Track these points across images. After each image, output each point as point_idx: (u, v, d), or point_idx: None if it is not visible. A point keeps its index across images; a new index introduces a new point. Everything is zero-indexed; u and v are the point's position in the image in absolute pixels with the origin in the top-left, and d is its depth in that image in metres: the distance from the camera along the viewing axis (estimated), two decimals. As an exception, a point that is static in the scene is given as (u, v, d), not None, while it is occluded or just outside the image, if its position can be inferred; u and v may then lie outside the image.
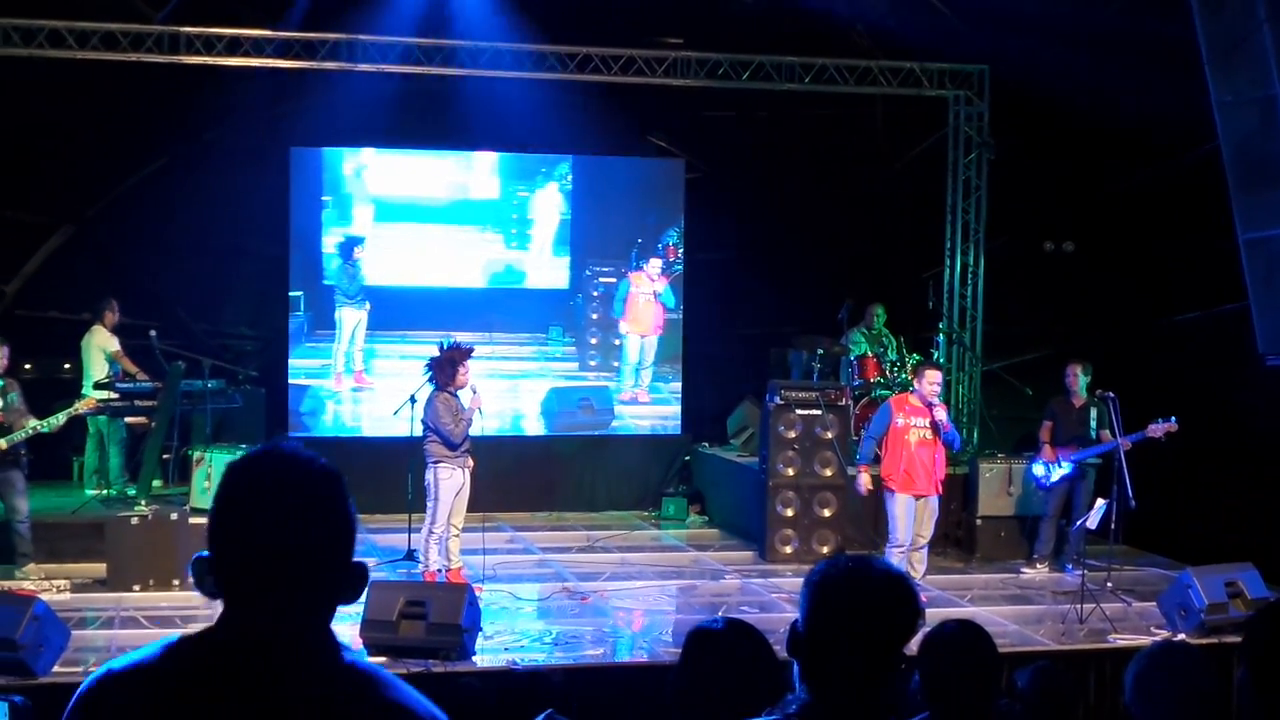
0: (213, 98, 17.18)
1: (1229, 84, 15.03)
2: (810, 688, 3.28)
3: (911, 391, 13.64)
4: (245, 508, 2.68)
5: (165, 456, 15.86)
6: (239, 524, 2.67)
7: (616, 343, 18.91)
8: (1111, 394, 13.58)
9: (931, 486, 13.17)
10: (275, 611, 2.65)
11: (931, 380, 13.29)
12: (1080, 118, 17.27)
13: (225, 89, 17.02)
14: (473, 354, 13.27)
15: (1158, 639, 10.99)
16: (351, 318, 17.95)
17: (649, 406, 19.00)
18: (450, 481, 12.94)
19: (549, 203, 18.71)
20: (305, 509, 2.68)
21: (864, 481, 13.69)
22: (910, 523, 13.15)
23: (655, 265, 18.73)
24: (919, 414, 13.16)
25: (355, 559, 2.76)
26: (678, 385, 18.95)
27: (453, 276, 18.45)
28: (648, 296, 18.75)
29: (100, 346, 15.79)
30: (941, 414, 13.15)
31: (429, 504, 13.07)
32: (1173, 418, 13.75)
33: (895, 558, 12.99)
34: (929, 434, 13.12)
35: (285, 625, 2.65)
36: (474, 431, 13.24)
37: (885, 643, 3.29)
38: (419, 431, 13.32)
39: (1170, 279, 17.00)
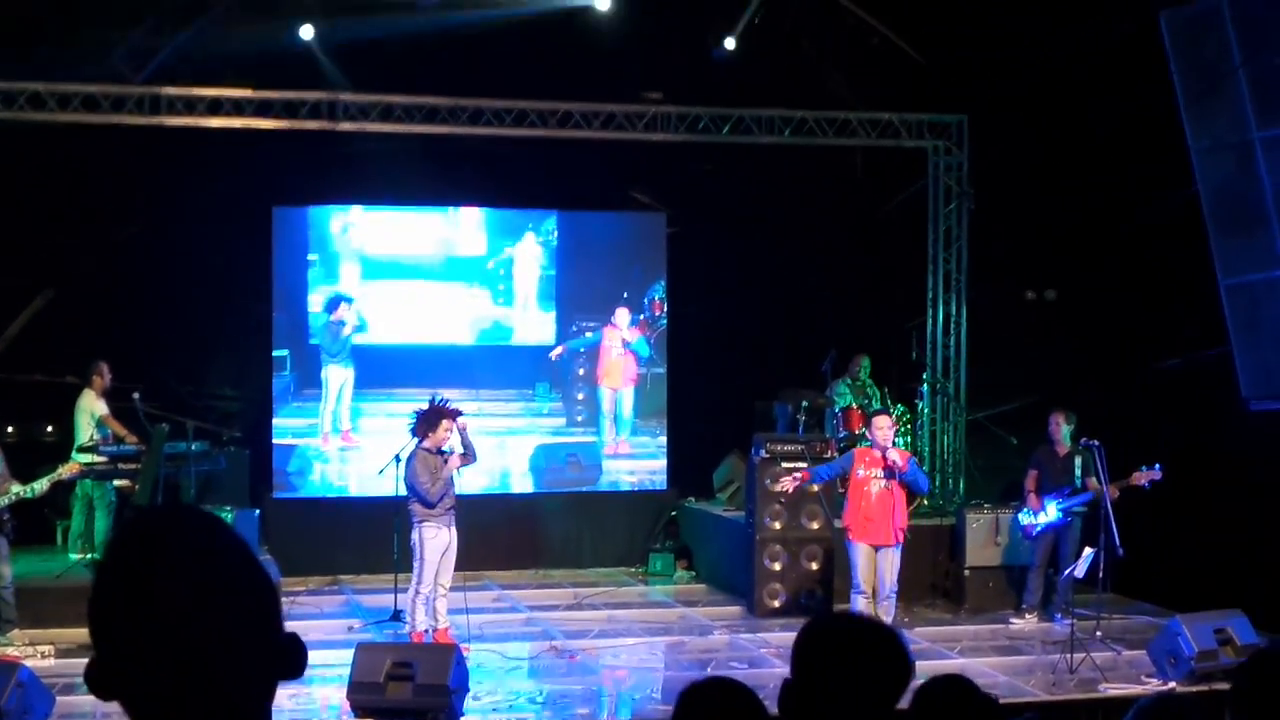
0: (195, 158, 17.17)
1: (1206, 129, 15.13)
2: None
3: (870, 443, 13.68)
4: (133, 585, 2.20)
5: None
6: (129, 606, 2.19)
7: (580, 396, 18.88)
8: (1096, 442, 13.59)
9: (891, 536, 13.21)
10: (194, 709, 2.20)
11: (880, 426, 13.44)
12: (1061, 165, 17.36)
13: (207, 149, 17.03)
14: (459, 415, 13.22)
15: (1151, 691, 11.00)
16: (338, 376, 17.92)
17: (635, 461, 18.97)
18: (435, 541, 12.90)
19: (535, 258, 18.73)
20: (210, 578, 2.23)
21: (785, 484, 14.06)
22: (870, 570, 13.23)
23: (624, 316, 18.71)
24: (877, 464, 13.26)
25: (285, 630, 2.31)
26: (664, 440, 18.93)
27: (440, 333, 18.45)
28: (619, 349, 18.75)
29: (88, 410, 15.74)
30: (894, 455, 13.20)
31: (415, 564, 13.03)
32: (1157, 465, 13.77)
33: (860, 603, 13.10)
34: (887, 484, 13.19)
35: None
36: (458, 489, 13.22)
37: (877, 698, 3.28)
38: (405, 491, 13.29)
39: (1154, 325, 17.03)
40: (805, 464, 15.39)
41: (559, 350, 18.70)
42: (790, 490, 14.24)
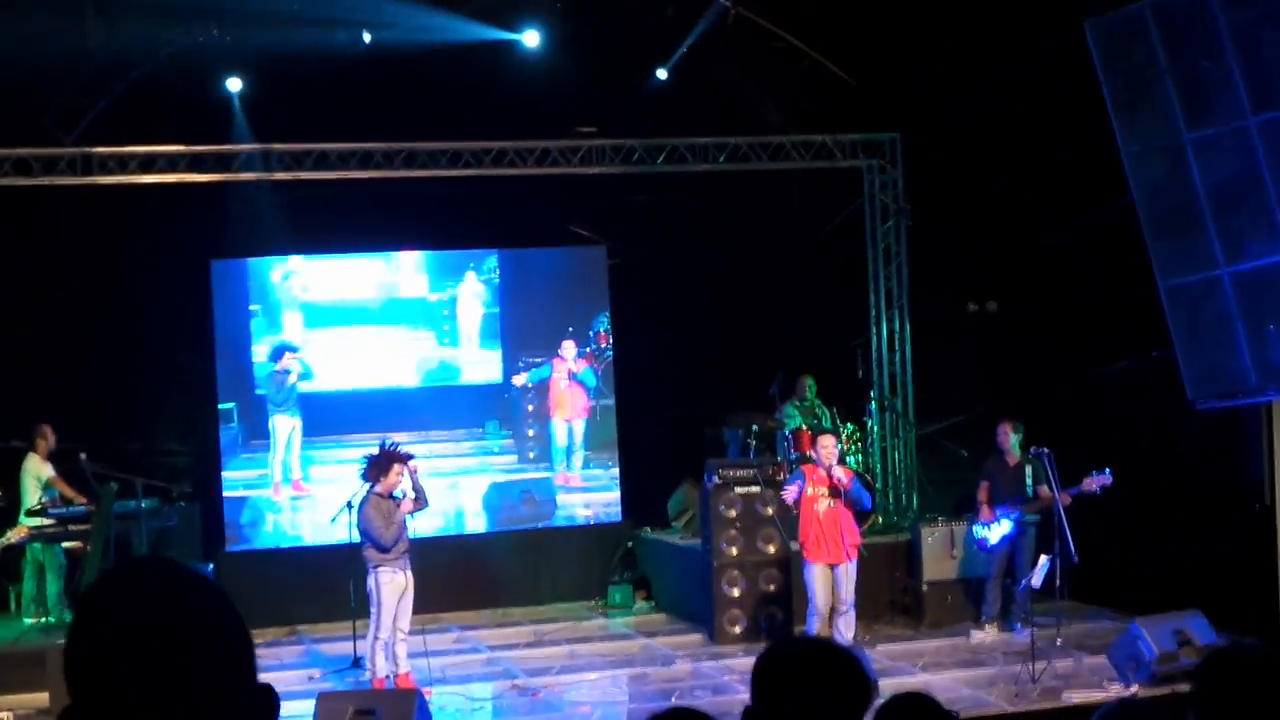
0: (130, 215, 17.09)
1: (1136, 133, 15.23)
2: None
3: (815, 462, 13.73)
4: (105, 639, 2.19)
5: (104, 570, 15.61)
6: (101, 660, 2.19)
7: (531, 433, 18.86)
8: (1046, 450, 13.65)
9: (843, 553, 13.29)
10: None
11: (824, 445, 13.57)
12: (996, 176, 17.48)
13: (142, 205, 16.95)
14: (410, 459, 13.17)
15: (1114, 697, 11.05)
16: (285, 425, 17.82)
17: (589, 494, 18.94)
18: (392, 585, 12.84)
19: (477, 297, 18.71)
20: (182, 627, 2.21)
21: (791, 491, 13.80)
22: (825, 589, 13.30)
23: (569, 348, 18.70)
24: (823, 483, 13.37)
25: (258, 681, 2.30)
26: (616, 471, 18.91)
27: (386, 377, 18.39)
28: (567, 380, 18.73)
29: (34, 473, 15.61)
30: (839, 473, 13.30)
31: (372, 610, 12.96)
32: (1107, 470, 13.83)
33: (815, 625, 13.18)
34: (833, 502, 13.29)
35: None
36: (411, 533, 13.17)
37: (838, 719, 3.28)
38: (358, 537, 13.23)
39: (1097, 330, 17.14)
40: (758, 488, 15.42)
41: (523, 376, 18.66)
42: (795, 497, 13.94)
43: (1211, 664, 4.00)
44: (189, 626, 2.22)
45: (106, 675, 2.18)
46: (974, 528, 15.11)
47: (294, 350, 17.82)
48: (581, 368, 18.75)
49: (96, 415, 17.20)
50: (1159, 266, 15.17)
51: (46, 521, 14.90)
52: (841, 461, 14.03)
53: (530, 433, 18.89)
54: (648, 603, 17.67)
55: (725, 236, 19.48)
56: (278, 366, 17.71)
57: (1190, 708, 3.94)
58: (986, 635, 14.82)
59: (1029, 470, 14.68)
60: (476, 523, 18.49)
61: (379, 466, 12.98)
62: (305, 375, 17.83)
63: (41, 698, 12.93)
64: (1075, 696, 12.07)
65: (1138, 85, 15.11)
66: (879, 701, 3.87)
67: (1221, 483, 15.10)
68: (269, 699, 2.30)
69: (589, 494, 18.97)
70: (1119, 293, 16.58)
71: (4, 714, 12.69)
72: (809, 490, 13.41)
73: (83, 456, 15.45)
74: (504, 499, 18.52)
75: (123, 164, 16.36)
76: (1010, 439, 14.89)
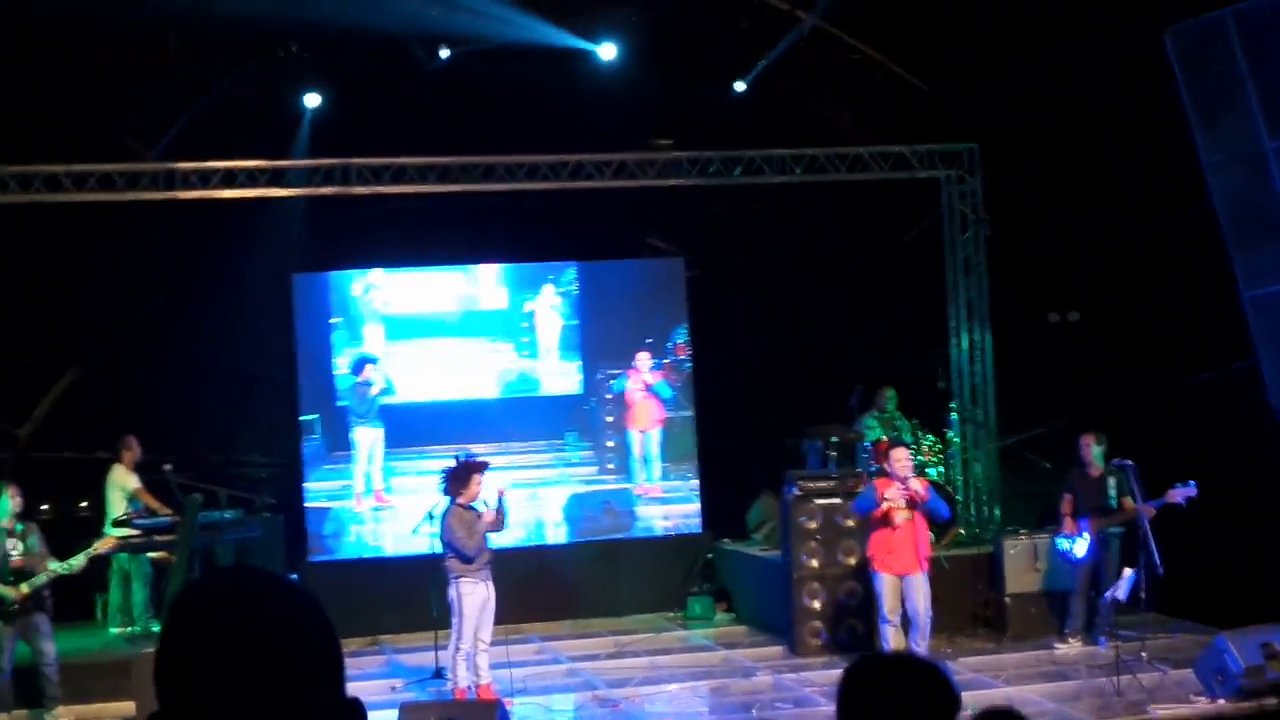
0: (212, 229, 17.29)
1: (1217, 142, 15.12)
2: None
3: (889, 474, 13.66)
4: (195, 645, 2.21)
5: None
6: (191, 667, 2.20)
7: (610, 444, 18.91)
8: (1129, 462, 13.55)
9: (916, 564, 13.23)
10: None
11: (897, 458, 13.47)
12: (1075, 185, 17.36)
13: (224, 220, 17.14)
14: (487, 468, 13.23)
15: (1199, 713, 10.95)
16: (367, 437, 17.96)
17: (669, 505, 18.94)
18: (473, 596, 12.88)
19: (556, 309, 18.78)
20: (271, 637, 2.22)
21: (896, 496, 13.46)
22: (894, 599, 13.25)
23: (644, 360, 18.73)
24: (898, 495, 13.27)
25: (346, 695, 2.30)
26: (696, 483, 18.91)
27: (467, 389, 18.49)
28: (642, 392, 18.76)
29: (119, 485, 15.80)
30: (916, 485, 13.25)
31: (454, 620, 13.00)
32: (1191, 483, 13.70)
33: (888, 633, 13.12)
34: (909, 514, 13.21)
35: None
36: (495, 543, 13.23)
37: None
38: (440, 548, 13.30)
39: (1180, 340, 16.99)
40: (838, 499, 15.40)
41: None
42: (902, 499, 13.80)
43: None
44: (279, 635, 2.23)
45: (196, 681, 2.19)
46: (1057, 540, 15.00)
47: (375, 362, 17.95)
48: (657, 379, 18.77)
49: (181, 427, 17.44)
50: (1242, 276, 15.05)
51: (132, 532, 15.07)
52: (920, 474, 13.96)
53: (609, 444, 18.94)
54: (728, 614, 17.66)
55: (803, 248, 19.47)
56: (359, 378, 17.84)
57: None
58: (1071, 648, 14.71)
59: (1112, 482, 14.57)
60: (556, 533, 18.55)
61: (458, 479, 13.04)
62: (387, 390, 17.95)
63: (127, 706, 13.09)
64: (1160, 710, 11.96)
65: (1219, 93, 15.00)
66: (964, 715, 3.87)
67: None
68: (356, 712, 2.30)
69: (668, 505, 18.98)
70: (1201, 302, 16.44)
71: (99, 710, 12.84)
72: (882, 503, 13.37)
73: (167, 468, 15.62)
74: (584, 510, 18.57)
75: (205, 179, 16.53)
76: (1093, 451, 14.78)
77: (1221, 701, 11.67)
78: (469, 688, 12.95)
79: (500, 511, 13.09)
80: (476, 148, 17.09)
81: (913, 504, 13.24)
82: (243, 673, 2.17)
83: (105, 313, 17.88)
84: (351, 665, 15.57)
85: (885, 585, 13.35)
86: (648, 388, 18.72)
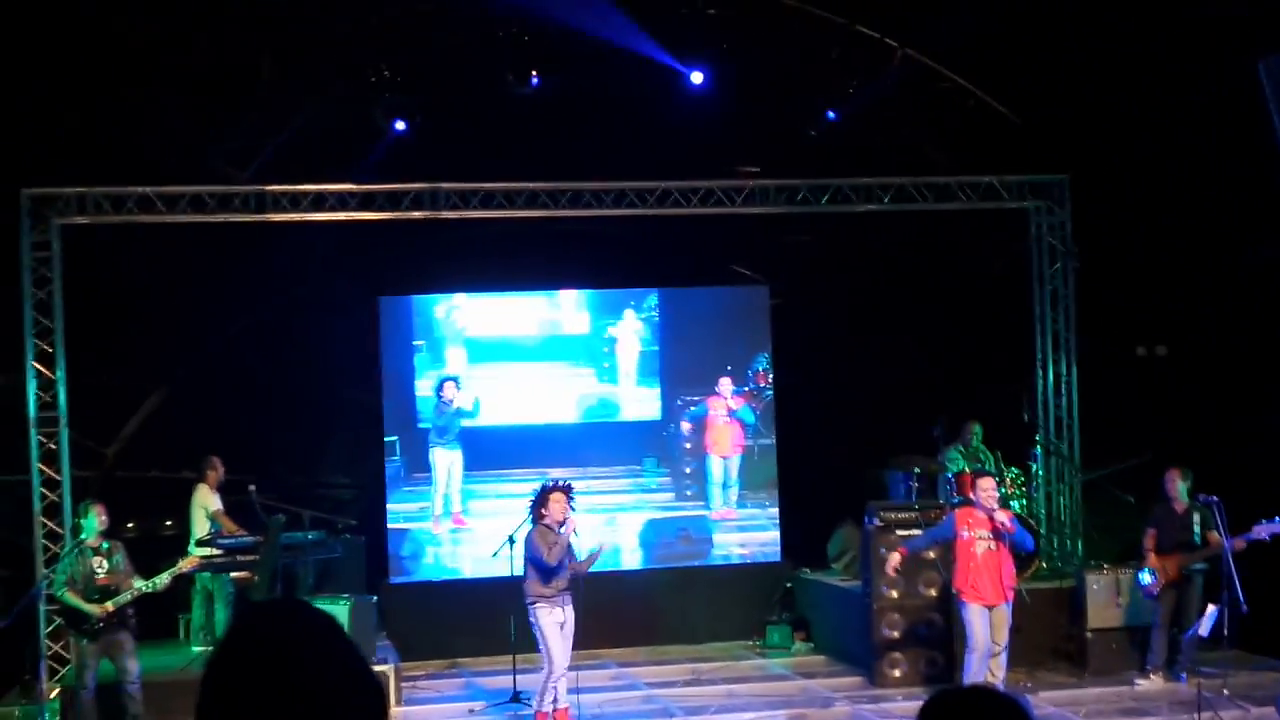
0: (300, 251, 17.46)
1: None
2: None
3: (974, 505, 13.59)
4: (244, 679, 2.23)
5: (272, 602, 15.88)
6: (238, 700, 2.23)
7: (688, 470, 18.88)
8: (1215, 498, 13.41)
9: (1000, 595, 13.17)
10: None
11: (984, 489, 13.45)
12: (1164, 217, 17.20)
13: (312, 242, 17.30)
14: (568, 490, 13.26)
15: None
16: (445, 459, 18.05)
17: (746, 534, 18.91)
18: (551, 618, 12.91)
19: (637, 335, 18.81)
20: (320, 677, 2.24)
21: (893, 561, 14.23)
22: (985, 629, 13.16)
23: (727, 385, 18.72)
24: (982, 525, 13.27)
25: None
26: (775, 511, 18.87)
27: (546, 413, 18.55)
28: (725, 417, 18.75)
29: (202, 505, 15.95)
30: (1002, 517, 13.23)
31: (541, 648, 13.03)
32: (1277, 518, 13.54)
33: (975, 663, 13.04)
34: (994, 544, 13.16)
35: None
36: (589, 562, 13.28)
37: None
38: (519, 571, 13.35)
39: (1268, 375, 16.76)
40: (920, 531, 15.32)
41: (687, 425, 18.76)
42: (897, 568, 14.29)
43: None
44: (321, 682, 2.23)
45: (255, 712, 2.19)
46: (1140, 575, 14.85)
47: (457, 382, 18.04)
48: (740, 405, 18.75)
49: (265, 447, 17.58)
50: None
51: (216, 551, 15.20)
52: (1004, 505, 13.88)
53: (687, 470, 18.93)
54: (806, 644, 17.60)
55: (889, 277, 19.40)
56: (441, 397, 17.94)
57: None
58: (1152, 684, 14.56)
59: (1197, 517, 14.42)
60: (633, 559, 18.56)
61: (540, 501, 13.13)
62: (472, 413, 18.04)
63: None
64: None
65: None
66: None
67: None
68: None
69: (746, 533, 18.95)
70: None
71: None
72: (964, 533, 13.31)
73: (251, 489, 15.76)
74: (660, 536, 18.58)
75: (295, 202, 16.67)
76: (1178, 486, 14.64)
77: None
78: (548, 713, 12.98)
79: (592, 555, 13.25)
80: (563, 173, 17.15)
81: (998, 535, 13.18)
82: (289, 710, 2.18)
83: (193, 333, 18.06)
84: (429, 687, 15.70)
85: (974, 615, 13.27)
86: (730, 412, 18.71)
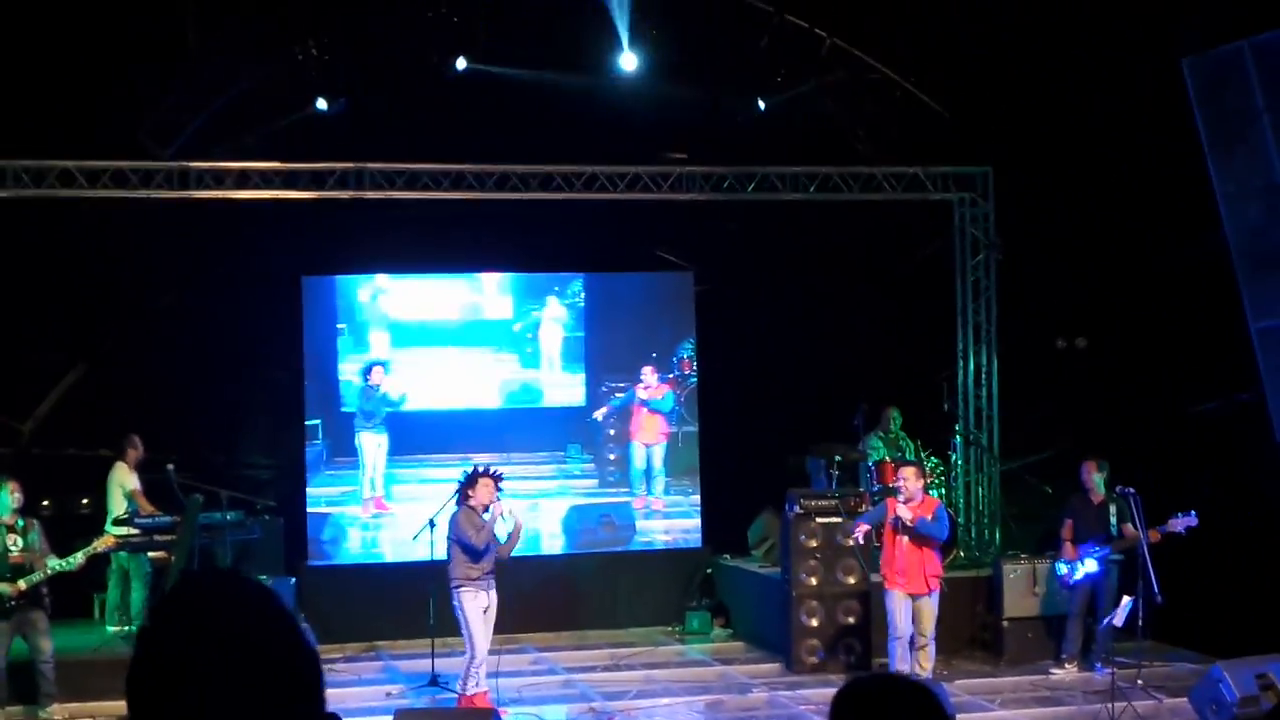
0: (224, 230, 17.30)
1: (1232, 173, 15.10)
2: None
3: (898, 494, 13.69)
4: (175, 652, 2.17)
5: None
6: (170, 674, 2.16)
7: (613, 457, 18.90)
8: (1131, 490, 13.54)
9: (923, 585, 13.20)
10: None
11: (905, 477, 13.55)
12: (1086, 212, 17.35)
13: (236, 221, 17.15)
14: (498, 478, 13.19)
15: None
16: (372, 442, 17.97)
17: (669, 520, 18.94)
18: (475, 603, 12.87)
19: (561, 321, 18.78)
20: (251, 650, 2.17)
21: (861, 529, 14.00)
22: (906, 617, 13.22)
23: (650, 374, 18.74)
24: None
25: (325, 710, 2.25)
26: (697, 498, 18.91)
27: (469, 398, 18.49)
28: (644, 407, 18.77)
29: (120, 483, 15.79)
30: (903, 513, 13.20)
31: (464, 631, 12.98)
32: (1193, 512, 13.70)
33: (897, 651, 13.12)
34: (901, 535, 13.23)
35: None
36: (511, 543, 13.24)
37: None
38: (440, 555, 13.31)
39: (1186, 370, 16.97)
40: (840, 518, 15.39)
41: (603, 410, 18.72)
42: (861, 540, 14.19)
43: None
44: (258, 649, 2.18)
45: (170, 694, 2.15)
46: (1056, 565, 14.99)
47: (385, 367, 17.96)
48: (662, 394, 18.76)
49: (184, 427, 17.43)
50: (1251, 307, 15.03)
51: (132, 531, 15.06)
52: (925, 493, 13.94)
53: (611, 457, 18.94)
54: (725, 630, 17.66)
55: (813, 266, 19.45)
56: (369, 382, 17.86)
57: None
58: (1066, 674, 14.70)
59: (1113, 509, 14.57)
60: (555, 544, 18.54)
61: (469, 483, 13.06)
62: (399, 402, 17.96)
63: (122, 706, 13.02)
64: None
65: (1234, 125, 14.99)
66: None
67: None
68: None
69: (669, 519, 18.97)
70: (1209, 333, 16.43)
71: (95, 709, 12.86)
72: (891, 521, 13.38)
73: (170, 467, 15.63)
74: (583, 522, 18.57)
75: (218, 179, 16.55)
76: (1094, 477, 14.78)
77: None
78: (470, 697, 12.94)
79: (511, 537, 13.17)
80: (490, 156, 17.11)
81: (902, 528, 13.25)
82: (220, 687, 2.13)
83: (112, 310, 17.88)
84: (348, 670, 15.63)
85: (894, 603, 13.34)
86: (646, 403, 18.72)
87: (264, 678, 2.16)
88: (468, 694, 12.94)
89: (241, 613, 2.22)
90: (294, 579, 16.51)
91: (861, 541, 14.26)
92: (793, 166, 17.82)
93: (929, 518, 13.35)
